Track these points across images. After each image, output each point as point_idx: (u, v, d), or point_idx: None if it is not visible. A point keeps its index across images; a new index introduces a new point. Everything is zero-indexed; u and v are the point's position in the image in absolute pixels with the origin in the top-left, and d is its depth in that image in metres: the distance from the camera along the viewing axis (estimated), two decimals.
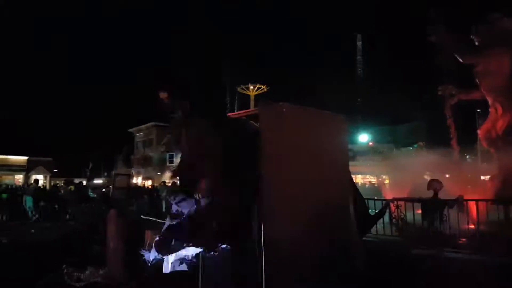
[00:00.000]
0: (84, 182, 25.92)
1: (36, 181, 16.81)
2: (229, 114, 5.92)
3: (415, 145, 33.83)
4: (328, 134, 5.69)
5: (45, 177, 41.11)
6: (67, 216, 13.30)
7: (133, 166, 49.22)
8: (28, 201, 13.00)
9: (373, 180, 28.99)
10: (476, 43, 11.03)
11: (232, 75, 46.89)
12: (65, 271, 5.70)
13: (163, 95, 4.51)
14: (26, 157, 42.63)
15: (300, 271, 4.54)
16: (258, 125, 5.20)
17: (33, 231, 10.82)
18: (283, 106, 5.00)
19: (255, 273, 4.99)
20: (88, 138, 67.15)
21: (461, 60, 11.10)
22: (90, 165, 42.13)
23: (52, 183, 30.06)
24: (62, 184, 18.07)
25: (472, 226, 6.46)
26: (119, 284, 5.34)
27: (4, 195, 14.70)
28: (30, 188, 14.73)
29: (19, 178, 41.10)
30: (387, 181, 22.86)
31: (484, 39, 10.76)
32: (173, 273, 4.86)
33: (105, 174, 45.84)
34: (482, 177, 12.05)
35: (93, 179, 39.51)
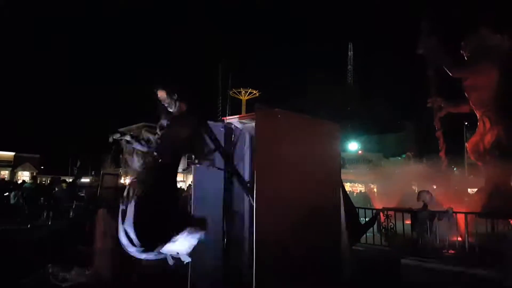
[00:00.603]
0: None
1: (35, 178, 16.91)
2: (223, 118, 5.92)
3: (404, 155, 34.21)
4: (321, 142, 5.75)
5: (31, 174, 40.41)
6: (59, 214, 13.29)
7: (122, 166, 48.61)
8: (27, 198, 13.08)
9: (362, 188, 29.21)
10: (465, 57, 11.26)
11: (224, 78, 47.00)
12: (50, 270, 5.60)
13: (161, 93, 4.45)
14: (12, 153, 41.89)
15: (289, 275, 4.56)
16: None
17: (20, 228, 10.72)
18: (278, 112, 5.04)
19: (244, 275, 5.01)
20: (77, 137, 66.17)
21: (450, 74, 11.31)
22: (78, 163, 41.61)
23: (39, 181, 29.56)
24: (48, 182, 17.89)
25: (460, 239, 6.55)
26: (105, 285, 5.28)
27: None
28: (29, 186, 14.85)
29: (4, 174, 40.34)
30: (375, 190, 23.05)
31: (473, 54, 10.98)
32: (162, 273, 4.83)
33: (93, 173, 45.20)
34: (469, 190, 12.24)
35: (80, 177, 38.95)
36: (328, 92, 51.15)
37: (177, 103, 4.46)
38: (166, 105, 4.47)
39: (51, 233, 9.03)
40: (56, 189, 15.00)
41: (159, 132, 4.35)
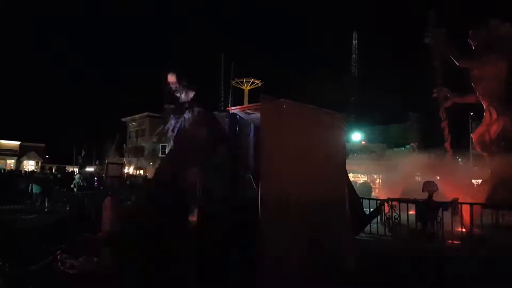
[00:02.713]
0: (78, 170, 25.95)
1: (51, 168, 17.58)
2: (228, 108, 5.92)
3: (407, 146, 34.04)
4: (327, 132, 5.72)
5: (36, 163, 40.70)
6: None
7: (125, 155, 48.89)
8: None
9: (365, 178, 29.21)
10: (473, 47, 11.12)
11: (226, 68, 46.85)
12: (58, 257, 5.67)
13: (171, 78, 4.50)
14: (18, 142, 42.11)
15: (293, 264, 4.60)
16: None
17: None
18: (283, 102, 5.01)
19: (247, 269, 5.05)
20: (81, 126, 66.56)
21: (457, 63, 11.19)
22: (83, 152, 41.90)
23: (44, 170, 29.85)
24: (54, 171, 18.16)
25: (465, 229, 6.56)
26: (112, 273, 5.34)
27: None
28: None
29: (10, 162, 40.64)
30: (378, 181, 23.07)
31: (481, 44, 10.84)
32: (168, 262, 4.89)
33: (97, 162, 45.51)
34: (473, 181, 12.21)
35: (85, 166, 39.28)
36: (332, 82, 50.81)
37: (186, 90, 4.51)
38: (174, 89, 4.51)
39: (60, 220, 9.16)
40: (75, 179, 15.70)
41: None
